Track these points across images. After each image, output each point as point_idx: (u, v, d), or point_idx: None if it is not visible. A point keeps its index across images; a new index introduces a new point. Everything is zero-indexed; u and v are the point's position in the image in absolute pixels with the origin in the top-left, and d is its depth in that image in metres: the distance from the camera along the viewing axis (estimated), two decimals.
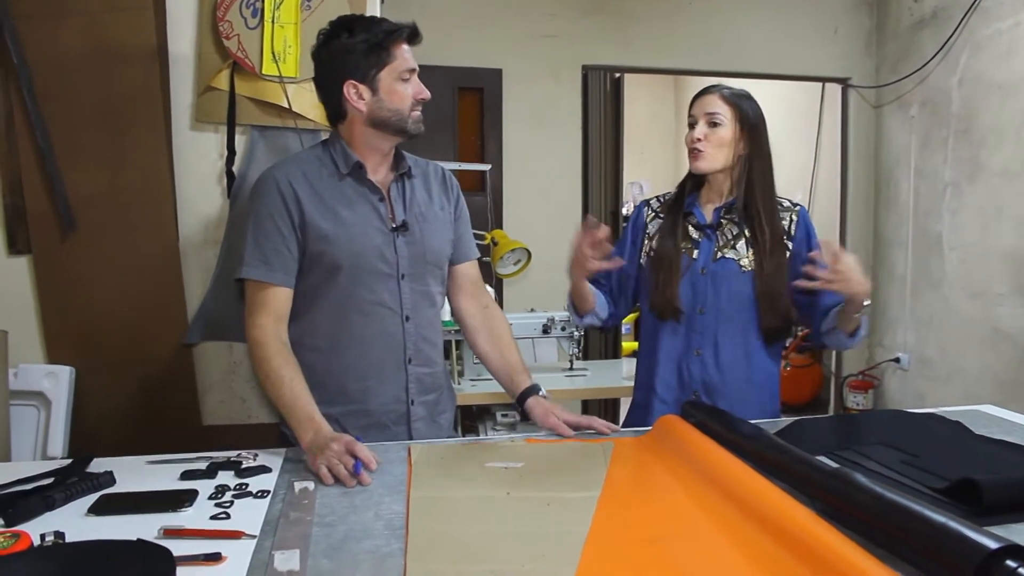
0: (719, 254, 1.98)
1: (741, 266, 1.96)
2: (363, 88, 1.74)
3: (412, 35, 1.77)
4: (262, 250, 1.73)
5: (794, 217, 2.00)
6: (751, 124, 1.96)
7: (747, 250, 1.96)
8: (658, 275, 2.00)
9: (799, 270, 1.95)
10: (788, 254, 1.97)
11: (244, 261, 1.74)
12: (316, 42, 1.79)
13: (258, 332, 1.71)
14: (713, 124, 1.95)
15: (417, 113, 1.79)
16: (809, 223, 2.02)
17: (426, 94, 1.79)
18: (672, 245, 2.00)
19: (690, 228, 2.02)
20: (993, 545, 0.96)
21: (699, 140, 1.96)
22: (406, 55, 1.76)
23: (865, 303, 1.81)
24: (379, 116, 1.76)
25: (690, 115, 2.01)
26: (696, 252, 2.00)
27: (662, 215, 2.08)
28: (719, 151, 1.96)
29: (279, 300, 1.75)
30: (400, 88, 1.75)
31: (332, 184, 1.78)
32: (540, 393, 1.82)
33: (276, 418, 1.98)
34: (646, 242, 2.08)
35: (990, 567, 0.95)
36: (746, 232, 1.97)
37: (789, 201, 2.04)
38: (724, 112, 1.95)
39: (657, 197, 2.15)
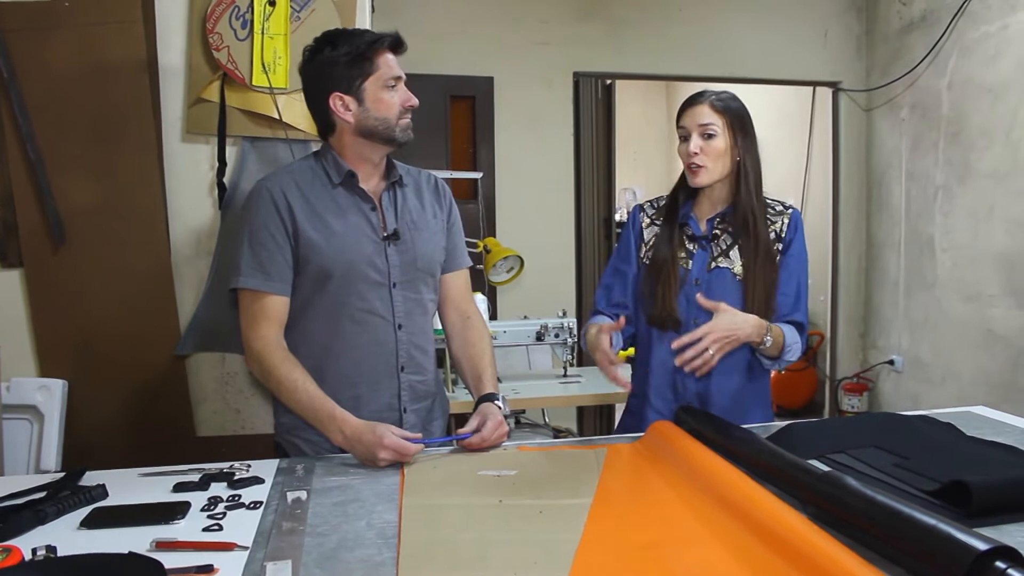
0: (713, 264, 1.96)
1: (735, 274, 1.95)
2: (349, 99, 1.75)
3: (395, 44, 1.78)
4: (259, 259, 1.74)
5: (786, 220, 1.99)
6: (743, 128, 1.93)
7: (740, 257, 1.96)
8: (656, 287, 1.98)
9: (791, 271, 1.96)
10: (779, 257, 1.97)
11: (240, 271, 1.75)
12: (302, 59, 1.80)
13: (261, 343, 1.73)
14: (708, 136, 1.90)
15: (405, 121, 1.79)
16: (800, 227, 1.99)
17: (414, 101, 1.80)
18: (669, 256, 1.98)
19: (685, 239, 2.01)
20: (983, 547, 0.97)
21: (695, 154, 1.91)
22: (390, 63, 1.77)
23: (763, 343, 1.86)
24: (367, 126, 1.76)
25: (680, 127, 1.96)
26: (691, 263, 1.98)
27: (658, 222, 2.06)
28: (717, 163, 1.92)
29: (277, 309, 1.76)
30: (386, 96, 1.76)
31: (324, 194, 1.79)
32: (495, 401, 1.81)
33: (270, 428, 1.99)
34: (643, 248, 2.06)
35: (980, 569, 0.96)
36: (739, 239, 1.96)
37: (782, 205, 2.02)
38: (717, 122, 1.90)
39: (651, 202, 2.11)
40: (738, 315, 1.83)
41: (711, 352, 1.77)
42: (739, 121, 1.93)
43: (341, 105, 1.75)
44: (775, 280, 1.94)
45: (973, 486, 1.23)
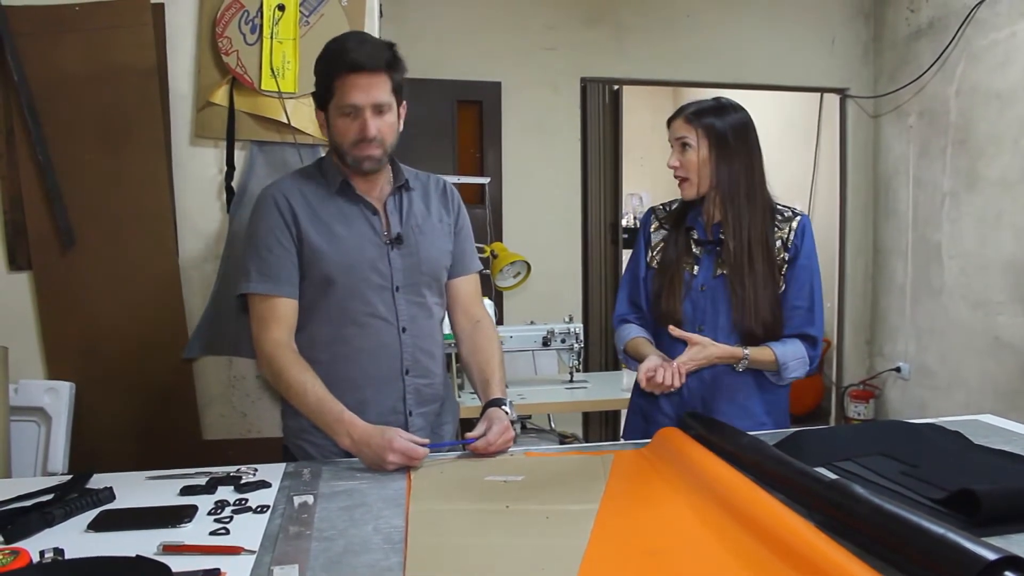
0: (719, 271, 1.96)
1: None
2: (322, 116, 1.80)
3: (354, 66, 1.68)
4: (267, 264, 1.75)
5: (793, 226, 1.97)
6: (719, 138, 1.92)
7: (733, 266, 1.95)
8: (661, 287, 1.99)
9: (802, 281, 1.95)
10: (784, 265, 1.95)
11: (249, 277, 1.76)
12: None
13: (271, 346, 1.74)
14: (683, 147, 1.94)
15: (359, 152, 1.74)
16: (808, 234, 1.98)
17: (369, 132, 1.71)
18: (674, 258, 1.99)
19: (692, 244, 2.01)
20: (991, 556, 0.96)
21: (676, 167, 1.96)
22: (348, 89, 1.69)
23: (740, 361, 1.91)
24: (334, 144, 1.80)
25: (669, 139, 2.01)
26: (697, 268, 1.98)
27: (666, 225, 2.07)
28: (696, 175, 1.94)
29: (287, 312, 1.77)
30: (339, 123, 1.74)
31: (328, 200, 1.81)
32: (503, 406, 1.80)
33: (277, 432, 1.99)
34: (650, 252, 2.06)
35: None
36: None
37: (791, 210, 2.01)
38: (690, 134, 1.93)
39: (663, 205, 2.13)
40: (708, 347, 1.87)
41: (676, 382, 1.83)
42: (714, 132, 1.93)
43: (322, 119, 1.80)
44: (771, 293, 1.93)
45: (981, 495, 1.23)
